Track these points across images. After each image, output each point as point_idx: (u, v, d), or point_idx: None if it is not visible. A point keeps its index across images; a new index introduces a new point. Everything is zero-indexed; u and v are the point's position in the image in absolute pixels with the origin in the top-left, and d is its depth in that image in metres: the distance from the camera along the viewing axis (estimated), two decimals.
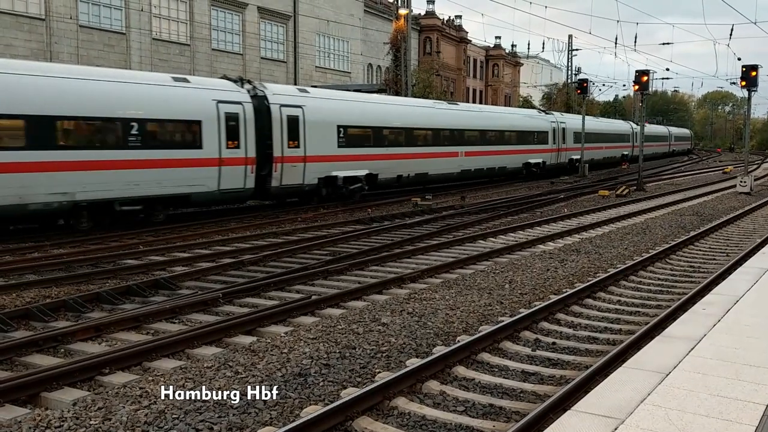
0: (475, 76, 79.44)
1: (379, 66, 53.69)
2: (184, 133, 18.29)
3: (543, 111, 44.91)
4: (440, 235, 16.72)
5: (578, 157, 42.58)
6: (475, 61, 79.24)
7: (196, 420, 5.70)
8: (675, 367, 5.58)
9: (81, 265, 12.72)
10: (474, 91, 78.29)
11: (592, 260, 13.26)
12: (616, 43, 61.09)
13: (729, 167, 49.52)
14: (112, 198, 16.46)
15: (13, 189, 14.69)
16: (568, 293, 10.12)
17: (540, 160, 38.42)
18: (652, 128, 63.99)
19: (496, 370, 7.28)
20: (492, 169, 33.96)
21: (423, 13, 65.16)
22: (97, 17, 31.63)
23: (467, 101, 69.96)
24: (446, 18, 70.35)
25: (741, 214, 21.10)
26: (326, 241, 15.42)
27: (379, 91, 31.00)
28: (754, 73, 29.78)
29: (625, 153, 55.54)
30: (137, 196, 16.95)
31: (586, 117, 45.95)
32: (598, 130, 49.21)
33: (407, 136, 27.05)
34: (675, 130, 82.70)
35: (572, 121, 44.00)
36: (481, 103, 75.85)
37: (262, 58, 41.01)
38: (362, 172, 24.10)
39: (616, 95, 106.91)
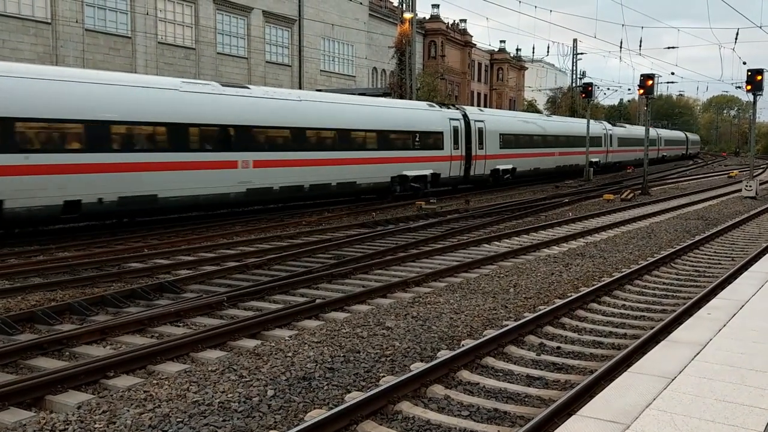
0: (479, 80, 79.51)
1: (383, 70, 53.76)
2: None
3: (440, 104, 31.90)
4: (444, 239, 16.71)
5: (507, 167, 34.19)
6: (479, 65, 79.33)
7: (201, 423, 5.70)
8: (680, 372, 5.56)
9: (86, 268, 12.75)
10: (479, 95, 78.34)
11: (596, 264, 13.24)
12: (621, 47, 61.01)
13: (734, 171, 49.41)
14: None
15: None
16: (572, 297, 10.09)
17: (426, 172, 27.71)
18: (631, 130, 57.79)
19: (501, 374, 7.26)
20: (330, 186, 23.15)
21: (428, 17, 65.30)
22: (103, 21, 31.76)
23: (472, 105, 70.03)
24: (451, 22, 70.49)
25: (746, 219, 21.04)
26: (331, 244, 15.43)
27: (384, 95, 30.94)
28: (759, 78, 29.73)
29: (595, 160, 45.62)
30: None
31: (523, 114, 45.16)
32: (543, 132, 39.19)
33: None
34: (665, 133, 74.45)
35: (494, 118, 34.43)
36: (486, 107, 75.88)
37: (267, 62, 41.12)
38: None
39: (621, 99, 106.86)
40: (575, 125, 44.64)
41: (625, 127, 58.35)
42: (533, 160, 37.07)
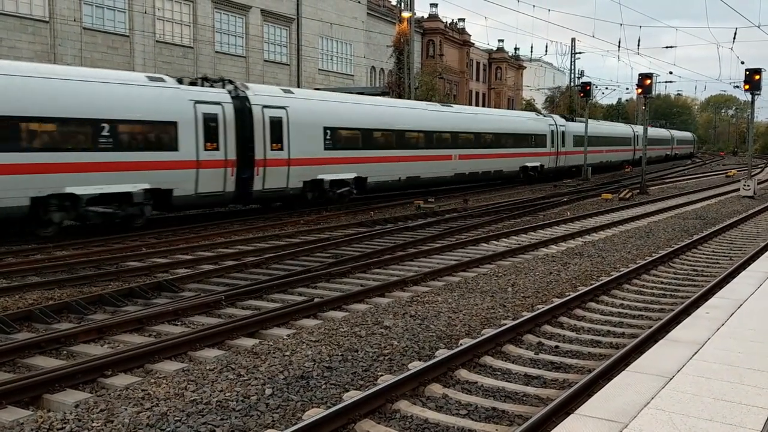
0: (478, 80, 79.51)
1: (382, 69, 53.74)
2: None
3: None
4: (443, 238, 16.71)
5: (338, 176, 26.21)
6: (478, 64, 79.33)
7: (199, 422, 5.69)
8: (678, 371, 5.56)
9: (84, 267, 12.74)
10: (477, 94, 78.34)
11: (595, 264, 13.25)
12: (619, 47, 61.14)
13: (732, 171, 49.45)
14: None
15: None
16: (571, 296, 10.10)
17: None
18: (597, 127, 49.11)
19: (499, 373, 7.26)
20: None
21: (426, 16, 65.27)
22: (101, 20, 31.70)
23: (470, 104, 70.01)
24: (449, 21, 70.44)
25: (744, 218, 21.06)
26: (329, 243, 15.42)
27: (382, 93, 30.94)
28: (757, 77, 29.79)
29: (533, 164, 37.28)
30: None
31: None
32: (430, 128, 31.61)
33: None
34: (648, 131, 69.44)
35: (309, 104, 25.86)
36: (484, 106, 75.97)
37: (265, 60, 41.09)
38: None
39: (619, 98, 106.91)
40: (505, 119, 36.71)
41: (604, 123, 53.80)
42: (401, 167, 26.41)
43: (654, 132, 66.99)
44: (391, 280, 11.40)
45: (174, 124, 17.84)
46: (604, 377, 6.50)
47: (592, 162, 45.44)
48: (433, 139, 28.52)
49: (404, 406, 6.21)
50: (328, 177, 22.81)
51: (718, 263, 13.76)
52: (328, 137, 22.83)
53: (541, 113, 44.35)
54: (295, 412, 6.01)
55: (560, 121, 41.43)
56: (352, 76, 48.86)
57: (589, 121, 47.03)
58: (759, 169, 54.05)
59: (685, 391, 5.11)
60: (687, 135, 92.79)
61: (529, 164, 36.57)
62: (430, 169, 28.09)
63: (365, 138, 24.84)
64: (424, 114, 28.65)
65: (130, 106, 17.00)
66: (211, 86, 19.71)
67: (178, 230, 17.59)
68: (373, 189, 25.49)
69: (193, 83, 19.50)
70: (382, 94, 30.42)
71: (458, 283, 11.34)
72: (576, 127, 42.98)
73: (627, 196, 28.12)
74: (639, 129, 61.27)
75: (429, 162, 27.97)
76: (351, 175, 23.89)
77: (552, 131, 39.11)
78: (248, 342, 8.14)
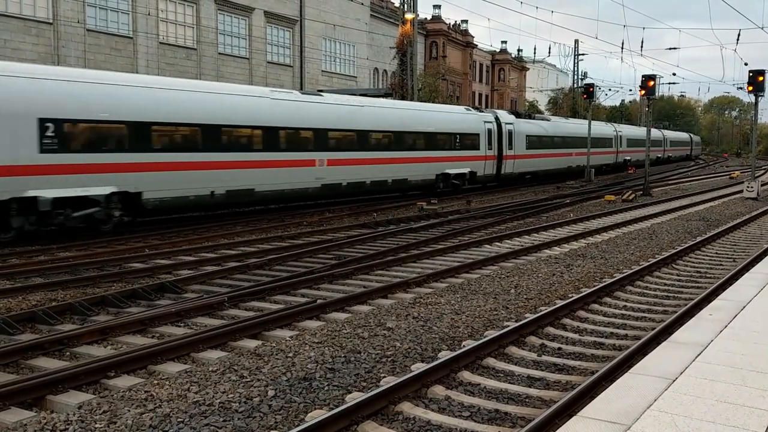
0: (481, 81, 79.52)
1: (385, 70, 53.77)
2: None
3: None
4: (446, 240, 16.70)
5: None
6: (481, 65, 79.34)
7: (201, 424, 5.70)
8: (681, 373, 5.55)
9: (87, 268, 12.75)
10: (480, 95, 78.34)
11: (598, 265, 13.23)
12: (622, 48, 61.11)
13: (736, 172, 49.37)
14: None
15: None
16: (573, 298, 10.09)
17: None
18: (557, 125, 41.61)
19: (502, 375, 7.26)
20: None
21: (429, 17, 65.30)
22: (104, 21, 31.79)
23: (474, 106, 69.98)
24: (452, 22, 70.52)
25: (748, 220, 21.03)
26: (332, 245, 15.43)
27: (385, 95, 30.94)
28: (761, 78, 29.71)
29: (460, 171, 30.01)
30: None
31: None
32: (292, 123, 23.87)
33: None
34: (628, 131, 57.85)
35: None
36: (487, 107, 75.88)
37: (268, 62, 41.14)
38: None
39: (623, 100, 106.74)
40: (410, 113, 28.07)
41: (550, 120, 42.57)
42: (214, 177, 19.13)
43: (639, 132, 60.09)
44: (394, 282, 11.40)
45: None
46: (607, 379, 6.48)
47: (554, 167, 39.18)
48: (276, 137, 20.96)
49: (407, 407, 6.21)
50: (46, 194, 15.30)
51: (721, 265, 13.73)
52: (47, 133, 15.48)
53: (478, 109, 34.62)
54: (297, 414, 6.01)
55: (507, 117, 34.29)
56: (355, 77, 48.90)
57: (554, 118, 42.85)
58: (762, 171, 53.94)
59: (688, 393, 5.10)
60: (682, 135, 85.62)
61: (451, 171, 28.90)
62: (274, 178, 20.73)
63: (135, 135, 17.21)
64: (261, 104, 20.81)
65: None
66: None
67: (181, 231, 17.61)
68: (158, 209, 18.27)
69: None
70: (385, 95, 30.40)
71: (461, 284, 11.33)
72: (531, 126, 36.52)
73: (630, 197, 28.08)
74: (624, 128, 55.95)
75: (271, 170, 20.61)
76: (103, 190, 16.41)
77: (489, 130, 31.65)
78: (251, 343, 8.15)
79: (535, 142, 36.55)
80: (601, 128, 49.96)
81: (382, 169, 25.28)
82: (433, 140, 28.24)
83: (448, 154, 29.05)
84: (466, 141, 30.37)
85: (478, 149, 31.05)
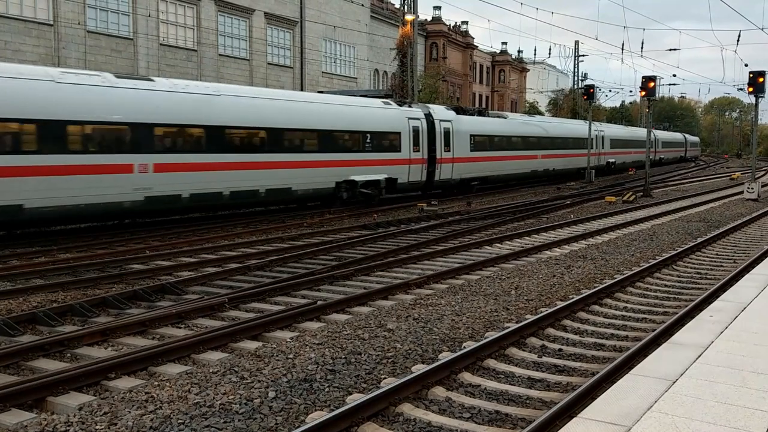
0: (481, 82, 79.55)
1: (385, 71, 53.79)
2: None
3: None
4: (446, 241, 16.71)
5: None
6: (481, 66, 79.37)
7: (202, 425, 5.70)
8: (682, 374, 5.55)
9: (88, 269, 12.76)
10: (480, 96, 78.35)
11: (598, 266, 13.23)
12: (622, 49, 60.95)
13: (736, 174, 49.36)
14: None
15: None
16: (574, 299, 10.09)
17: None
18: (510, 124, 35.47)
19: (502, 376, 7.26)
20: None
21: (429, 18, 65.33)
22: (105, 23, 31.80)
23: (474, 106, 70.02)
24: (452, 24, 70.54)
25: (748, 221, 21.02)
26: (332, 246, 15.43)
27: (386, 96, 30.90)
28: (761, 80, 29.71)
29: (376, 177, 24.13)
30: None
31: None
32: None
33: None
34: (611, 130, 51.89)
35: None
36: (487, 108, 75.88)
37: (268, 63, 41.15)
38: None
39: (623, 101, 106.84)
40: (299, 106, 22.03)
41: (506, 117, 36.36)
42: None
43: (625, 132, 56.35)
44: (395, 283, 11.40)
45: None
46: (608, 380, 6.48)
47: (513, 172, 34.42)
48: (63, 134, 15.58)
49: (407, 409, 6.21)
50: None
51: (721, 266, 13.73)
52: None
53: (404, 102, 28.04)
54: (298, 415, 6.01)
55: (443, 113, 28.83)
56: (356, 78, 48.91)
57: (514, 115, 38.22)
58: (763, 172, 53.94)
59: (688, 395, 5.10)
60: (675, 136, 79.25)
61: (359, 177, 23.37)
62: (55, 190, 15.26)
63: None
64: (38, 90, 15.33)
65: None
66: None
67: (182, 233, 17.61)
68: None
69: None
70: (386, 96, 30.39)
71: (461, 285, 11.33)
72: (478, 125, 31.38)
73: (630, 198, 28.08)
74: (607, 128, 50.61)
75: (51, 178, 15.21)
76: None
77: (415, 128, 26.03)
78: (251, 345, 8.15)
79: (484, 143, 31.35)
80: (578, 127, 44.89)
81: (249, 175, 19.70)
82: (330, 139, 22.41)
83: (355, 157, 23.35)
84: (383, 141, 24.59)
85: (399, 151, 25.15)
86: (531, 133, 36.88)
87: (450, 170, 28.68)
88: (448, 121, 28.71)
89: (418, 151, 26.39)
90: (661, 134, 70.54)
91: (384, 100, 26.87)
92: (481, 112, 34.49)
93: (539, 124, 39.77)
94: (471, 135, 30.19)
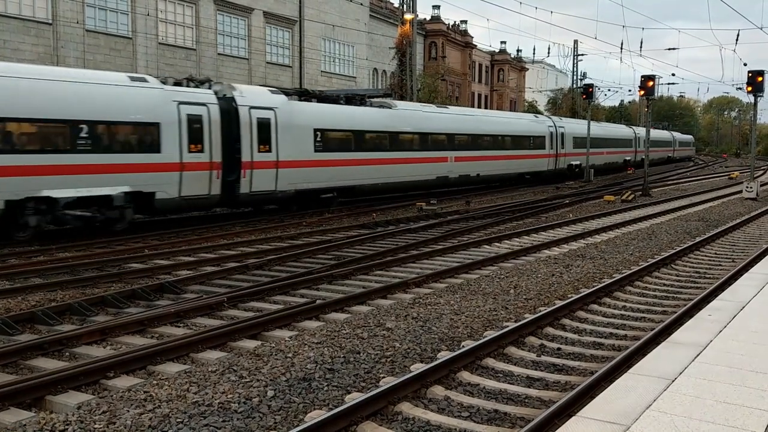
0: (480, 81, 79.53)
1: (384, 71, 53.77)
2: None
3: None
4: (445, 240, 16.70)
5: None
6: (480, 66, 79.35)
7: (201, 424, 5.70)
8: (681, 373, 5.56)
9: (86, 268, 12.75)
10: (479, 95, 78.35)
11: (597, 265, 13.23)
12: (621, 48, 61.10)
13: (735, 173, 49.39)
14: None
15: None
16: (573, 299, 10.09)
17: None
18: (430, 118, 28.91)
19: (501, 375, 7.26)
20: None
21: (428, 18, 65.31)
22: (104, 21, 31.76)
23: (473, 106, 70.02)
24: (451, 23, 70.52)
25: (747, 220, 21.03)
26: (331, 245, 15.42)
27: (385, 95, 30.88)
28: (760, 79, 29.75)
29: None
30: None
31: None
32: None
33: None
34: (573, 126, 43.11)
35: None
36: (487, 108, 75.68)
37: (267, 62, 41.12)
38: None
39: (622, 100, 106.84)
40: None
41: (392, 107, 27.07)
42: None
43: (601, 130, 49.09)
44: (393, 282, 11.40)
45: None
46: (607, 379, 6.49)
47: (395, 178, 25.89)
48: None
49: (406, 408, 6.21)
50: None
51: (720, 265, 13.74)
52: None
53: (192, 82, 19.84)
54: (297, 414, 6.01)
55: (259, 97, 20.85)
56: (355, 78, 48.88)
57: (414, 106, 29.24)
58: (761, 171, 54.00)
59: (687, 394, 5.10)
60: (661, 134, 71.98)
61: (59, 194, 15.72)
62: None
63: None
64: None
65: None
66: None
67: (181, 232, 17.61)
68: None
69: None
70: (385, 96, 30.37)
71: (460, 284, 11.33)
72: (326, 115, 23.09)
73: (629, 198, 28.09)
74: (567, 124, 42.44)
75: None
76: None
77: (193, 118, 18.47)
78: (250, 344, 8.15)
79: (343, 140, 23.50)
80: (525, 123, 37.34)
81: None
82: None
83: (49, 161, 15.60)
84: (116, 135, 17.02)
85: (158, 151, 17.74)
86: (437, 129, 28.69)
87: (271, 179, 20.74)
88: (268, 109, 20.67)
89: (200, 150, 18.63)
90: (643, 132, 62.86)
91: (130, 75, 18.82)
92: (336, 98, 24.93)
93: (456, 118, 30.89)
94: (316, 130, 22.17)
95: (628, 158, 54.88)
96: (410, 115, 27.71)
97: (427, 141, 27.94)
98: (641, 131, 58.17)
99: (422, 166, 27.47)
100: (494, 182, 34.67)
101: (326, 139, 22.65)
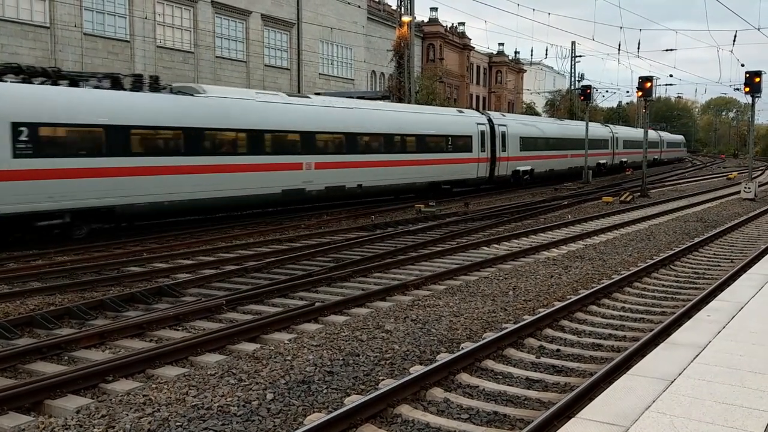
0: (478, 83, 79.57)
1: (382, 73, 53.80)
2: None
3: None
4: (444, 242, 16.70)
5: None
6: (478, 67, 79.39)
7: (200, 428, 5.69)
8: (680, 374, 5.56)
9: (85, 272, 12.74)
10: (477, 97, 78.40)
11: (596, 267, 13.24)
12: (619, 50, 61.26)
13: (733, 173, 49.44)
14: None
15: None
16: (572, 300, 10.09)
17: None
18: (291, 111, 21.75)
19: (500, 377, 7.26)
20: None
21: (426, 20, 65.35)
22: (102, 25, 31.75)
23: (471, 108, 70.04)
24: (449, 25, 70.58)
25: (745, 221, 21.05)
26: (330, 247, 15.42)
27: (383, 98, 30.86)
28: (757, 80, 29.80)
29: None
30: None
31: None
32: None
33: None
34: (518, 126, 35.24)
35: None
36: (485, 110, 75.74)
37: (265, 65, 41.13)
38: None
39: (620, 102, 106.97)
40: None
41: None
42: None
43: (563, 129, 41.70)
44: (392, 284, 11.40)
45: None
46: (606, 381, 6.49)
47: (209, 193, 18.70)
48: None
49: (405, 410, 6.21)
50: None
51: (719, 266, 13.75)
52: None
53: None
54: (296, 417, 6.00)
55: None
56: (353, 80, 48.90)
57: (256, 96, 21.35)
58: (760, 172, 54.05)
59: (686, 395, 5.10)
60: (649, 133, 59.75)
61: None
62: None
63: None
64: None
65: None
66: None
67: (179, 235, 17.59)
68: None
69: None
70: (383, 98, 30.34)
71: (459, 286, 11.33)
72: (55, 101, 15.72)
73: (628, 199, 28.10)
74: (510, 121, 34.64)
75: None
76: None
77: None
78: (249, 347, 8.14)
79: (68, 140, 15.94)
80: (437, 120, 28.98)
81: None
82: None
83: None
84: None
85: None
86: (281, 126, 21.08)
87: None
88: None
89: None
90: (624, 132, 55.92)
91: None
92: (115, 82, 17.33)
93: (318, 111, 22.58)
94: (20, 124, 14.77)
95: (603, 161, 47.92)
96: (229, 106, 19.73)
97: (261, 141, 20.45)
98: (621, 130, 54.18)
99: (255, 176, 20.09)
100: (388, 195, 26.36)
101: (41, 139, 15.14)
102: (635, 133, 56.06)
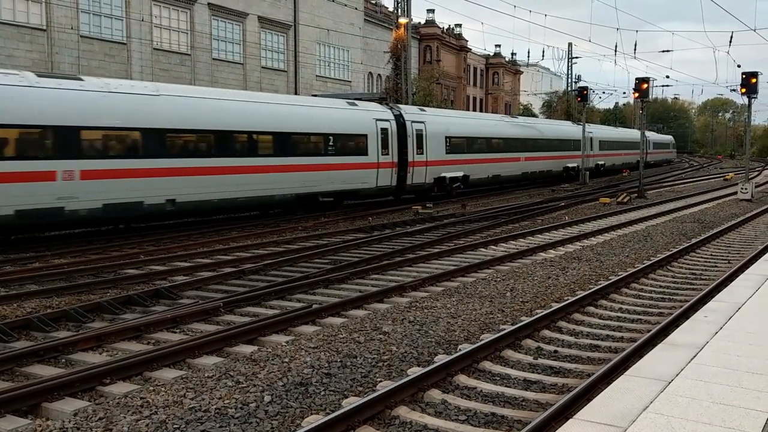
0: (475, 85, 79.64)
1: (379, 75, 53.82)
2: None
3: None
4: (441, 243, 16.71)
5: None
6: (475, 69, 79.45)
7: (198, 430, 5.68)
8: (677, 375, 5.56)
9: (82, 275, 12.72)
10: (474, 99, 78.47)
11: (593, 268, 13.25)
12: (615, 51, 61.23)
13: (730, 174, 49.52)
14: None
15: None
16: (569, 301, 10.10)
17: None
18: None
19: (498, 378, 7.26)
20: None
21: (423, 21, 65.38)
22: (98, 27, 31.72)
23: (468, 109, 70.08)
24: (446, 27, 70.64)
25: (742, 221, 21.08)
26: (327, 249, 15.41)
27: (380, 99, 30.85)
28: (753, 80, 29.84)
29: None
30: None
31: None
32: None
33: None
34: (438, 121, 28.95)
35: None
36: (482, 112, 75.72)
37: (262, 67, 41.11)
38: None
39: (616, 103, 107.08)
40: None
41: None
42: None
43: (514, 128, 36.16)
44: (390, 286, 11.39)
45: None
46: (603, 381, 6.49)
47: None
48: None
49: (403, 411, 6.20)
50: None
51: (716, 266, 13.77)
52: None
53: None
54: (294, 419, 6.00)
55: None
56: (350, 82, 48.91)
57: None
58: (756, 172, 54.18)
59: (683, 395, 5.11)
60: (630, 134, 57.77)
61: None
62: None
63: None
64: None
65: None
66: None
67: (176, 237, 17.58)
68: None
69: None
70: (380, 99, 30.33)
71: (457, 288, 11.34)
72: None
73: (625, 199, 28.14)
74: (431, 117, 28.55)
75: None
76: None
77: None
78: (247, 349, 8.13)
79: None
80: (313, 113, 22.57)
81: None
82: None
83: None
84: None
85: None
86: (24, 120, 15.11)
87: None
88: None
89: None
90: (600, 131, 50.52)
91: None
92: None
93: (64, 97, 15.84)
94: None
95: (572, 165, 41.77)
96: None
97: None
98: (596, 130, 49.43)
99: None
100: (227, 212, 21.05)
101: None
102: (614, 133, 52.17)
